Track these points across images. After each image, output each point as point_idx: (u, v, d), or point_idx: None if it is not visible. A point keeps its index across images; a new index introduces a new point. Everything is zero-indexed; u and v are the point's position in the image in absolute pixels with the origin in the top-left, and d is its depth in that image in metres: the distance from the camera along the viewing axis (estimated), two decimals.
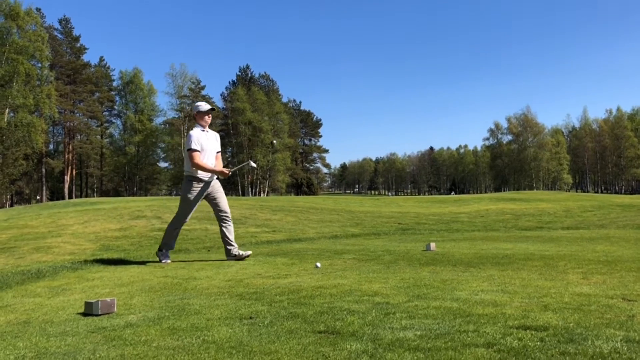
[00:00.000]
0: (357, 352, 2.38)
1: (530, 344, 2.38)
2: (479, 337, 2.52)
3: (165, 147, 79.06)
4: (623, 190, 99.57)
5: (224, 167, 6.75)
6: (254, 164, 7.12)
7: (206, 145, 6.59)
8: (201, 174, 6.58)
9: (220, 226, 6.82)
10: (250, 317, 3.15)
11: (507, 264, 5.13)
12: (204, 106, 6.72)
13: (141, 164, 76.88)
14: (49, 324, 3.28)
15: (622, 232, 10.54)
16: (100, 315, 3.39)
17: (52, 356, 2.54)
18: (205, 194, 6.69)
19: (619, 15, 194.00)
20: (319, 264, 5.43)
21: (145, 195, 66.97)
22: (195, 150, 6.50)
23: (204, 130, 6.67)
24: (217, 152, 6.82)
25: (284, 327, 2.88)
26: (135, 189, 76.63)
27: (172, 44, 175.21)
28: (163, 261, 6.57)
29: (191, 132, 6.60)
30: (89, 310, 3.44)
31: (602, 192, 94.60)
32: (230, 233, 6.82)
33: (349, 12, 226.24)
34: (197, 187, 6.59)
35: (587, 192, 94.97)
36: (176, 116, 78.37)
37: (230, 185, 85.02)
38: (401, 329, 2.71)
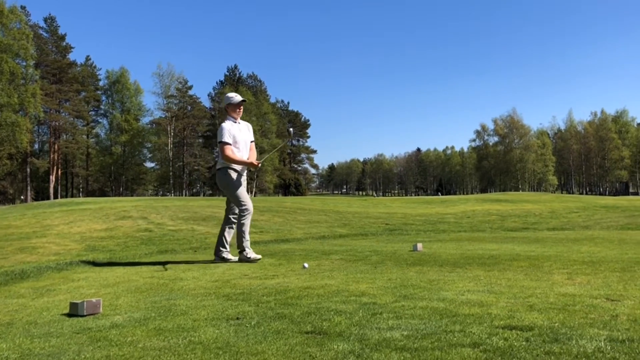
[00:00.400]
0: (344, 353, 2.38)
1: (515, 343, 2.40)
2: (465, 337, 2.54)
3: (152, 147, 78.63)
4: (607, 192, 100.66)
5: (252, 159, 6.63)
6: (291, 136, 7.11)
7: (239, 136, 6.48)
8: (235, 165, 6.48)
9: (225, 226, 6.69)
10: (237, 318, 3.14)
11: (493, 264, 5.16)
12: (235, 98, 6.60)
13: (127, 164, 76.39)
14: (33, 325, 3.24)
15: (606, 233, 10.65)
16: (85, 316, 3.36)
17: (36, 357, 2.51)
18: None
19: (605, 17, 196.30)
20: (306, 265, 5.42)
21: (132, 196, 66.53)
22: (227, 143, 6.42)
23: (235, 122, 6.56)
24: (251, 142, 6.72)
25: (271, 327, 2.87)
26: (121, 189, 76.10)
27: (159, 44, 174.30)
28: (252, 257, 6.27)
29: (222, 125, 6.51)
30: (74, 311, 3.41)
31: (586, 194, 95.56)
32: (230, 235, 6.68)
33: (340, 13, 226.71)
34: (234, 175, 6.48)
35: (572, 193, 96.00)
36: (163, 116, 77.96)
37: (217, 186, 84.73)
38: (388, 329, 2.72)
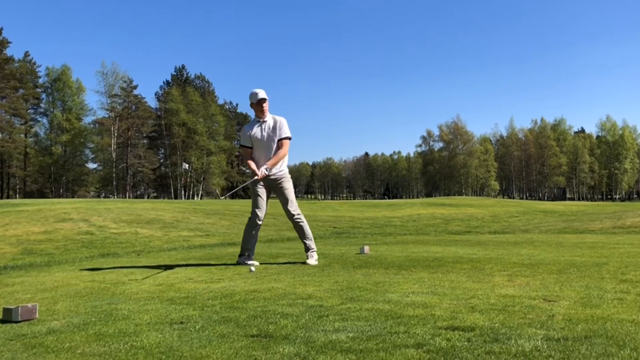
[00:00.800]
0: (289, 355, 2.37)
1: (458, 344, 2.45)
2: (409, 338, 2.57)
3: (95, 147, 76.34)
4: (546, 197, 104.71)
5: (268, 163, 6.04)
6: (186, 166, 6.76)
7: (258, 137, 6.09)
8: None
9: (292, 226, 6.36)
10: (181, 322, 3.08)
11: (437, 266, 5.26)
12: (254, 97, 6.13)
13: (68, 164, 73.87)
14: None
15: (544, 236, 11.06)
16: (20, 322, 3.22)
17: None
18: (269, 189, 6.22)
19: (550, 27, 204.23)
20: (253, 268, 5.38)
21: (72, 197, 64.35)
22: (243, 147, 6.21)
23: (260, 121, 6.17)
24: (280, 140, 6.15)
25: (215, 331, 2.83)
26: (61, 190, 73.50)
27: (102, 41, 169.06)
28: (248, 263, 5.89)
29: (244, 126, 6.23)
30: (8, 317, 3.26)
31: (526, 199, 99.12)
32: (304, 234, 6.28)
33: (289, 15, 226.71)
34: (251, 180, 6.13)
35: (513, 198, 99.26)
36: (106, 116, 75.81)
37: (163, 187, 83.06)
38: (334, 331, 2.73)
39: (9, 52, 69.96)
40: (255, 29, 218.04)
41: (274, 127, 6.15)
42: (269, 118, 6.19)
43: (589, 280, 4.16)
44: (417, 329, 2.73)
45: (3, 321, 3.28)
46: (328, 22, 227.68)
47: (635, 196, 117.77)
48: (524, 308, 3.17)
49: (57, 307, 3.70)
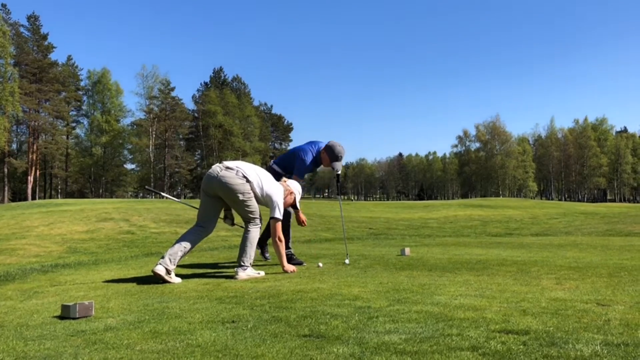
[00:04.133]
0: (344, 356, 2.39)
1: (514, 347, 2.43)
2: (463, 340, 2.56)
3: (133, 148, 77.91)
4: (585, 198, 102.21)
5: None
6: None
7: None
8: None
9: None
10: (233, 321, 3.12)
11: (481, 269, 5.21)
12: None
13: (107, 165, 75.60)
14: (25, 327, 3.19)
15: (588, 238, 10.81)
16: (77, 318, 3.32)
17: None
18: None
19: (592, 25, 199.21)
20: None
21: (111, 197, 65.83)
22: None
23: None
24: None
25: (267, 330, 2.87)
26: (100, 190, 75.25)
27: (142, 44, 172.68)
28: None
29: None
30: (66, 314, 3.36)
31: (565, 200, 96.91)
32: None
33: (324, 18, 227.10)
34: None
35: (552, 199, 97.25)
36: (144, 117, 77.31)
37: (199, 188, 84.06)
38: (386, 333, 2.73)
39: (53, 56, 72.15)
40: (291, 31, 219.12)
41: None
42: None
43: None
44: (470, 331, 2.71)
45: (61, 317, 3.38)
46: (360, 24, 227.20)
47: None
48: (577, 312, 3.11)
49: (111, 304, 3.80)
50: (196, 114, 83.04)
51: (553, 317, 2.98)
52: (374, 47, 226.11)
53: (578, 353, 2.31)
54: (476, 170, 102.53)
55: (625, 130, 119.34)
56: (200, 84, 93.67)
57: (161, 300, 3.89)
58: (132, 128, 78.96)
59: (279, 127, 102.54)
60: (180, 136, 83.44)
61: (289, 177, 5.97)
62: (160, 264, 4.83)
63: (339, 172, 6.28)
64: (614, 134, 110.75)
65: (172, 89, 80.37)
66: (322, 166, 6.36)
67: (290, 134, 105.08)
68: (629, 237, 11.81)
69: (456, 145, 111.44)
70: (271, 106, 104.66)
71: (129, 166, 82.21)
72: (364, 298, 3.71)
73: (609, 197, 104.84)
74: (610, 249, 7.51)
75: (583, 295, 3.67)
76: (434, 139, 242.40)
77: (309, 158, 6.15)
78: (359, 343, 2.57)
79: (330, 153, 6.11)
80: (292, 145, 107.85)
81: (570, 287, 4.05)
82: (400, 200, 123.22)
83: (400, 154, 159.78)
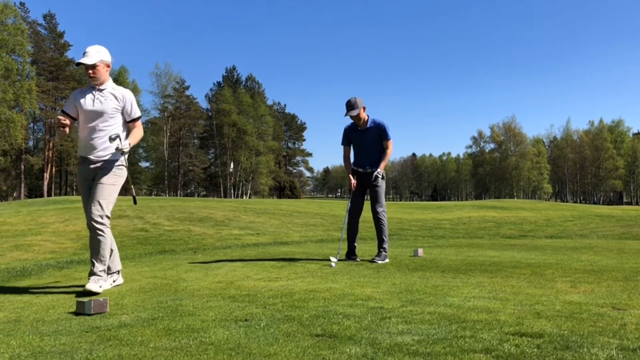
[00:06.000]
0: (357, 356, 2.39)
1: (527, 350, 2.41)
2: (476, 342, 2.55)
3: (147, 146, 78.43)
4: (601, 201, 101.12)
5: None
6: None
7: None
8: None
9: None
10: (246, 320, 3.14)
11: (495, 271, 5.18)
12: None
13: None
14: (41, 322, 3.23)
15: (603, 241, 10.70)
16: (92, 314, 3.35)
17: (47, 355, 2.51)
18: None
19: (607, 26, 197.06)
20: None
21: (125, 195, 66.32)
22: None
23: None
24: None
25: (280, 329, 2.88)
26: None
27: (158, 43, 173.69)
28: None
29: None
30: (81, 310, 3.40)
31: (580, 202, 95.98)
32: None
33: (336, 18, 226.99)
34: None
35: (567, 201, 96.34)
36: (159, 115, 77.82)
37: (212, 186, 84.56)
38: (398, 334, 2.73)
39: (69, 54, 72.84)
40: (306, 31, 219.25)
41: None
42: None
43: None
44: (484, 333, 2.69)
45: (76, 313, 3.42)
46: (373, 24, 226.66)
47: None
48: (593, 316, 3.08)
49: (125, 301, 3.83)
50: (210, 113, 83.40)
51: (568, 321, 2.95)
52: (388, 47, 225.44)
53: (593, 357, 2.29)
54: (490, 172, 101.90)
55: None
56: (214, 83, 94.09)
57: (175, 298, 3.92)
58: (147, 126, 79.47)
59: (293, 127, 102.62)
60: (195, 135, 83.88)
61: None
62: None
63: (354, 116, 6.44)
64: (630, 136, 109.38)
65: (187, 88, 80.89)
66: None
67: (303, 134, 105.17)
68: None
69: (470, 146, 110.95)
70: (285, 105, 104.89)
71: (143, 164, 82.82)
72: (376, 298, 3.71)
73: (625, 200, 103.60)
74: (626, 253, 7.43)
75: (598, 298, 3.64)
76: (448, 139, 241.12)
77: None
78: (372, 343, 2.56)
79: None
80: (305, 145, 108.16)
81: (585, 290, 4.01)
82: (413, 200, 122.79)
83: (414, 154, 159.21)
